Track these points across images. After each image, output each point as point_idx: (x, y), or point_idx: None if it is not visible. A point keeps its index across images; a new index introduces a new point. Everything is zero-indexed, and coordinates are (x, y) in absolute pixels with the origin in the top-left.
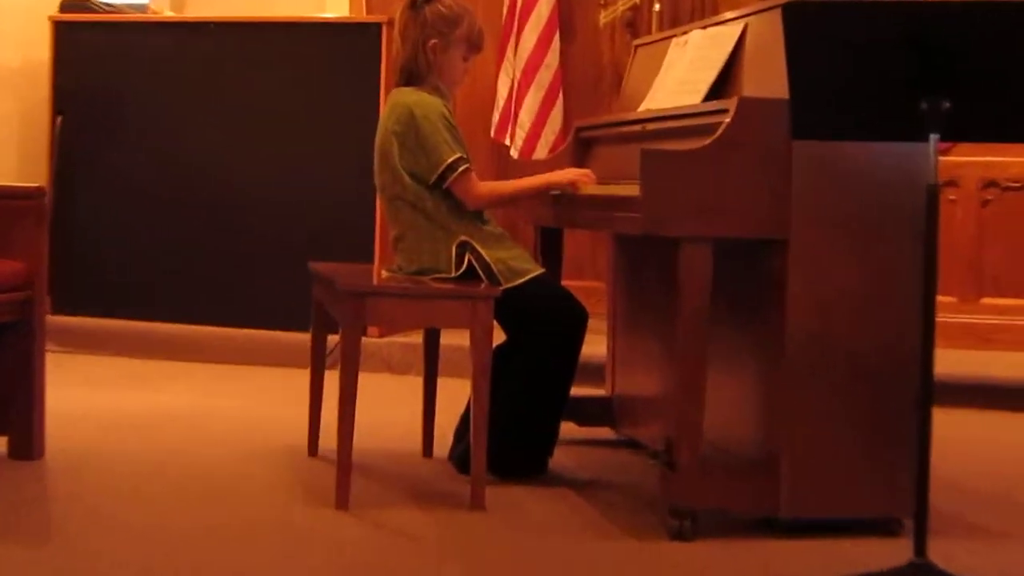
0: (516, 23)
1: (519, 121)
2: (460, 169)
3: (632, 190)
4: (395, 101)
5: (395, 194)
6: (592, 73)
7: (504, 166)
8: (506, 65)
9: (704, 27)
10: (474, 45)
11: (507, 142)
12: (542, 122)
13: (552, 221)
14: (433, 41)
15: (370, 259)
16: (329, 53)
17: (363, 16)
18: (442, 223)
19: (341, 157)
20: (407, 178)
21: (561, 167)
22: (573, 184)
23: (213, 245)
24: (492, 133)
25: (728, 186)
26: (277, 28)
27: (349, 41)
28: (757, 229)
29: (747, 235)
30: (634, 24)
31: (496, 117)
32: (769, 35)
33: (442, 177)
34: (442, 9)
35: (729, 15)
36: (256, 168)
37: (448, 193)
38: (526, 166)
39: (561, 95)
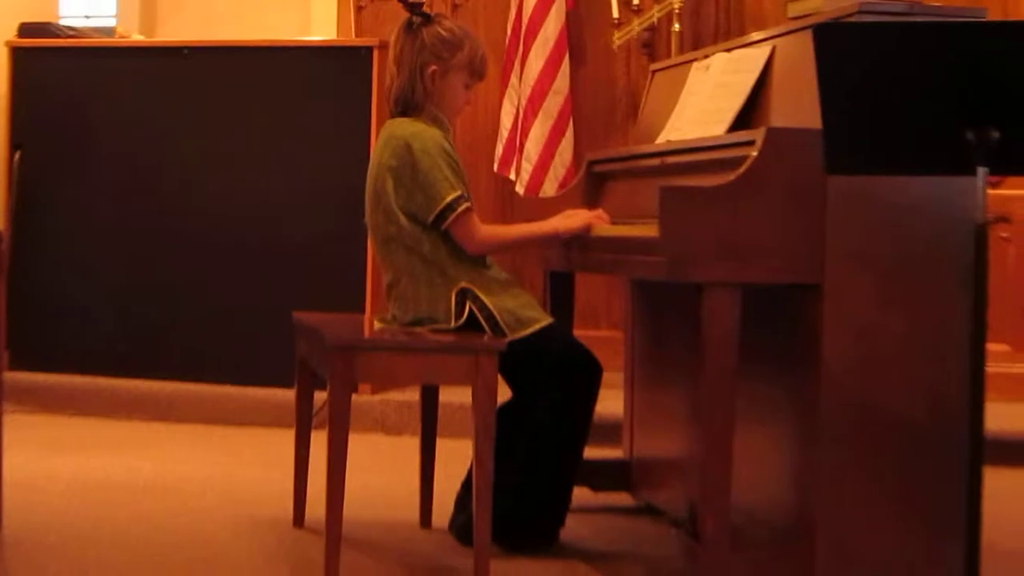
0: (521, 45)
1: (525, 153)
2: (460, 209)
3: (651, 230)
4: (390, 133)
5: (389, 235)
6: (605, 100)
7: (508, 203)
8: (510, 91)
9: (728, 50)
10: (476, 71)
11: (511, 176)
12: (550, 154)
13: (562, 264)
14: (432, 67)
15: (361, 308)
16: (315, 80)
17: (352, 39)
18: (441, 268)
19: (329, 194)
20: (403, 218)
21: (571, 205)
22: (586, 228)
23: (187, 292)
24: (495, 167)
25: (756, 226)
26: (258, 53)
27: (337, 67)
28: (788, 273)
29: (777, 280)
30: (651, 46)
31: (499, 149)
32: (800, 59)
33: (440, 217)
34: (442, 32)
35: (756, 36)
36: (235, 207)
37: (448, 235)
38: (532, 204)
39: (571, 124)
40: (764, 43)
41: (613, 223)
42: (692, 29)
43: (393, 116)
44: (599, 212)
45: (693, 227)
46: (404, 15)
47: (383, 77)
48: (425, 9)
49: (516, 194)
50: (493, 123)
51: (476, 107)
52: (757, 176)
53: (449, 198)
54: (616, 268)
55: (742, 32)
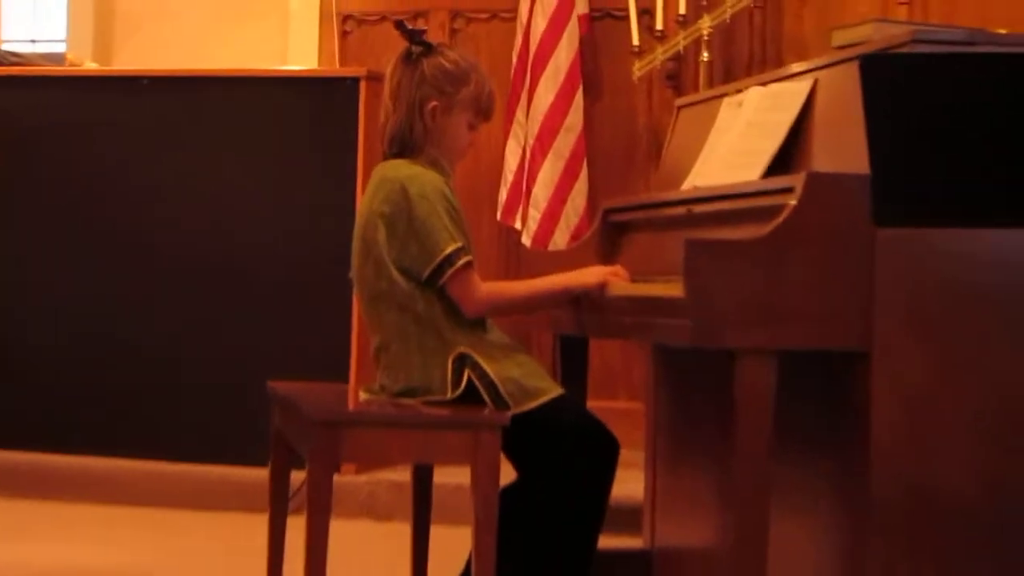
0: (528, 76)
1: (532, 199)
2: (459, 263)
3: (675, 289)
4: (383, 176)
5: (378, 292)
6: (624, 140)
7: (513, 257)
8: (515, 129)
9: (764, 83)
10: (483, 110)
11: (517, 226)
12: (561, 201)
13: (575, 327)
14: (433, 103)
15: (345, 376)
16: (293, 115)
17: (336, 69)
18: (436, 330)
19: (309, 245)
20: (395, 272)
21: (585, 259)
22: (602, 286)
23: (144, 354)
24: (498, 215)
25: (795, 284)
26: (227, 84)
27: (319, 100)
28: (832, 337)
29: (819, 345)
30: (677, 78)
31: (503, 194)
32: (846, 94)
33: (437, 271)
34: (445, 63)
35: (796, 68)
36: (201, 259)
37: (444, 293)
38: (541, 258)
39: (585, 167)
40: (805, 76)
41: (632, 280)
42: (723, 58)
43: (386, 157)
44: (616, 268)
45: (723, 285)
46: (397, 41)
47: (371, 112)
48: (426, 37)
49: (522, 246)
50: (496, 165)
51: (478, 146)
52: (796, 227)
53: (448, 250)
54: (636, 332)
55: (780, 63)
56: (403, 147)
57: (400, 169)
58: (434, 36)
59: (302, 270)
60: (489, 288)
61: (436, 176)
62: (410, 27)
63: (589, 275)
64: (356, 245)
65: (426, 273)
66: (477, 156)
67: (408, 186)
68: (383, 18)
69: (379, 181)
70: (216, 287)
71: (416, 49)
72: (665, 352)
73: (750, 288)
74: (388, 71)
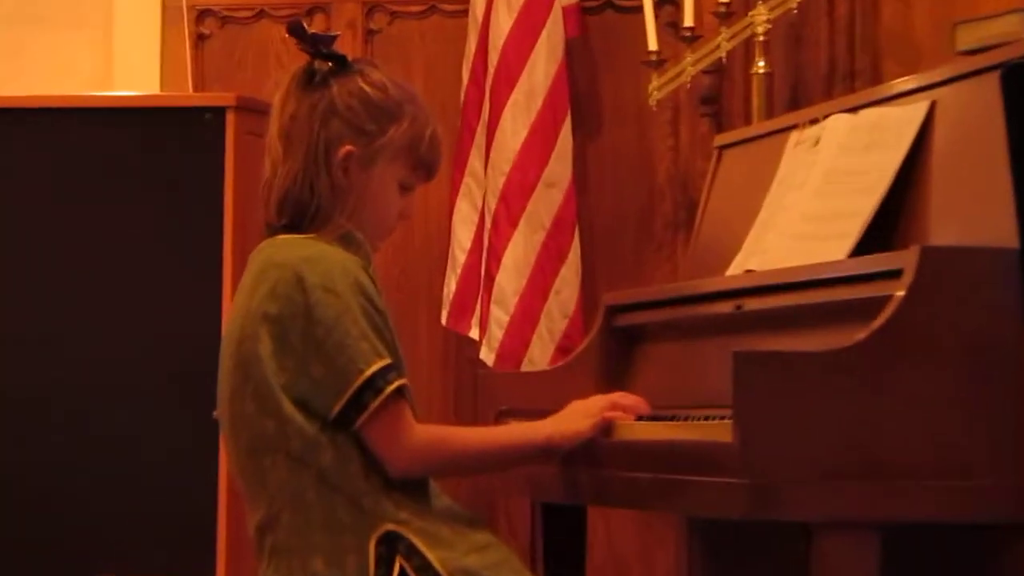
0: (488, 102)
1: (496, 292)
2: (386, 392)
3: (719, 431)
4: (268, 259)
5: (261, 438)
6: (635, 198)
7: (467, 382)
8: (468, 184)
9: (853, 108)
10: (423, 162)
11: (473, 335)
12: (540, 294)
13: (564, 492)
14: (347, 148)
15: (210, 568)
16: (118, 164)
17: (187, 95)
18: (352, 496)
19: (149, 367)
20: (287, 407)
21: (577, 387)
22: (600, 430)
23: None
24: (444, 318)
25: (908, 420)
26: (9, 118)
27: (160, 140)
28: (969, 506)
29: (946, 516)
30: (717, 101)
31: (451, 286)
32: (978, 121)
33: (354, 405)
34: (367, 89)
35: (902, 84)
36: None
37: (363, 439)
38: (510, 383)
39: (576, 242)
40: (916, 96)
41: (650, 418)
42: (787, 68)
43: (272, 232)
44: (625, 398)
45: (793, 424)
46: (287, 52)
47: (245, 159)
48: (337, 48)
49: (481, 365)
50: (440, 240)
51: (414, 214)
52: (908, 332)
53: (369, 371)
54: (657, 498)
55: (876, 76)
56: (299, 215)
57: (294, 249)
58: (343, 44)
59: (133, 406)
60: (430, 433)
61: (349, 259)
62: (311, 31)
63: (582, 416)
64: (225, 365)
65: (337, 408)
66: (411, 227)
67: (307, 275)
68: (260, 13)
69: (262, 267)
70: (17, 425)
71: (321, 67)
72: (704, 529)
73: (836, 427)
74: (276, 100)
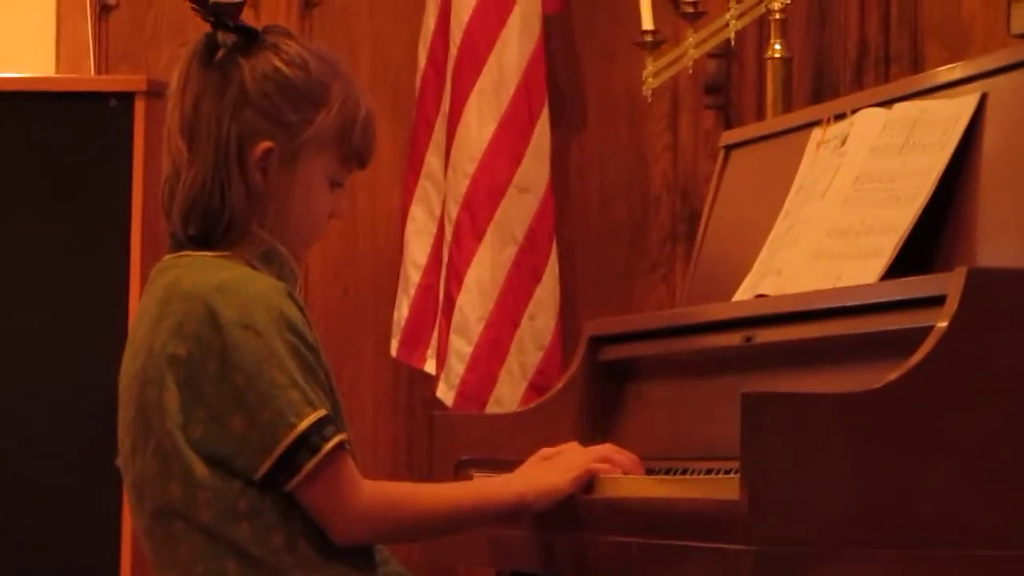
0: (449, 89)
1: (457, 319)
2: (325, 449)
3: (724, 488)
4: (174, 286)
5: (167, 502)
6: (626, 207)
7: (420, 427)
8: (424, 187)
9: (886, 102)
10: (356, 153)
11: (428, 369)
12: (510, 323)
13: (537, 560)
14: (264, 144)
15: None
16: (12, 154)
17: (90, 78)
18: (277, 568)
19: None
20: (198, 468)
21: (554, 433)
22: (580, 486)
23: None
24: (393, 349)
25: (950, 476)
26: None
27: (57, 132)
28: None
29: None
30: (723, 90)
31: (403, 311)
32: None
33: (285, 465)
34: (282, 68)
35: (947, 72)
36: None
37: (295, 501)
38: (471, 427)
39: (554, 258)
40: (963, 86)
41: (639, 472)
42: (808, 52)
43: (178, 245)
44: (610, 450)
45: (812, 480)
46: (194, 22)
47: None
48: (242, 17)
49: (437, 406)
50: (390, 254)
51: (350, 219)
52: (950, 370)
53: (302, 425)
54: (649, 569)
55: (916, 62)
56: (209, 226)
57: (205, 274)
58: (277, 19)
59: (22, 452)
60: (379, 493)
61: (272, 287)
62: None
63: (561, 469)
64: (125, 412)
65: (262, 470)
66: (355, 239)
67: (221, 310)
68: None
69: (166, 295)
70: None
71: (225, 39)
72: None
73: (864, 484)
74: (174, 81)
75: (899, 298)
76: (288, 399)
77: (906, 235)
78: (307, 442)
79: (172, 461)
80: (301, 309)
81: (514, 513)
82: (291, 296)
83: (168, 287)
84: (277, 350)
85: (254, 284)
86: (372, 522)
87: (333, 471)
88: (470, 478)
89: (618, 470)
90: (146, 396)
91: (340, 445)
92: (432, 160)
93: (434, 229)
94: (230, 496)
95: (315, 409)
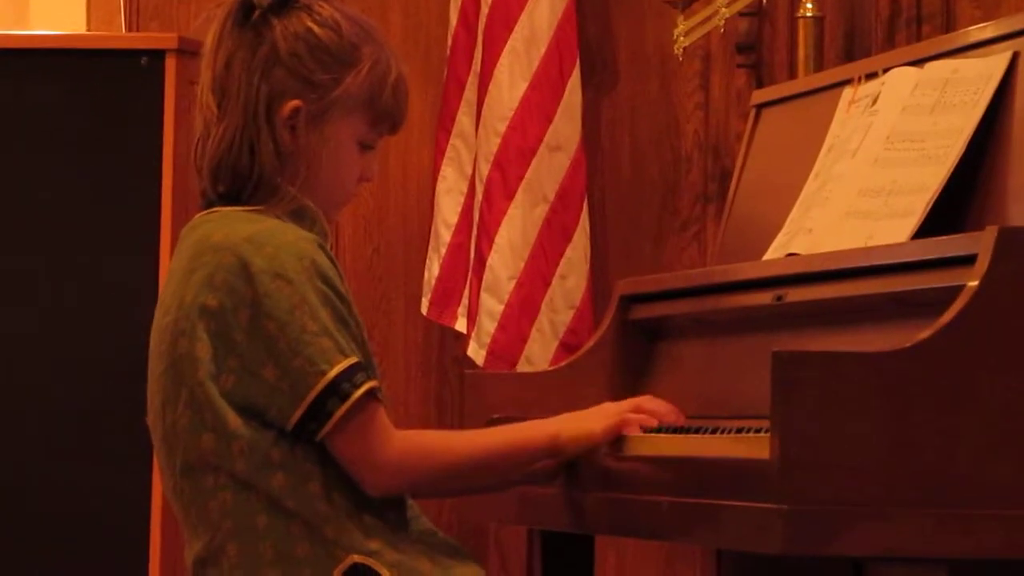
0: (480, 50)
1: (489, 279)
2: (355, 396)
3: (755, 446)
4: (203, 239)
5: (198, 455)
6: (656, 167)
7: (452, 384)
8: (456, 147)
9: (918, 61)
10: (386, 113)
11: (459, 327)
12: (541, 281)
13: (567, 518)
14: (294, 103)
15: None
16: (37, 118)
17: (121, 35)
18: (311, 522)
19: (72, 344)
20: (231, 417)
21: (584, 391)
22: (612, 436)
23: None
24: (424, 307)
25: (982, 435)
26: None
27: (86, 91)
28: None
29: None
30: (755, 49)
31: (433, 271)
32: None
33: (316, 413)
34: (315, 29)
35: (978, 32)
36: None
37: (327, 451)
38: (504, 386)
39: (585, 217)
40: (995, 45)
41: (672, 428)
42: (840, 10)
43: (208, 203)
44: (643, 403)
45: (844, 439)
46: None
47: (187, 113)
48: None
49: (469, 365)
50: (421, 213)
51: (381, 180)
52: (981, 329)
53: (332, 373)
54: (679, 528)
55: (947, 17)
56: (238, 184)
57: (236, 227)
58: None
59: (52, 412)
60: (411, 441)
61: (303, 237)
62: None
63: (593, 416)
64: (155, 366)
65: (294, 418)
66: (387, 199)
67: (252, 259)
68: None
69: (197, 249)
70: None
71: (261, 1)
72: (735, 564)
73: (895, 443)
74: (208, 41)
75: (930, 257)
76: (319, 347)
77: (937, 194)
78: (337, 389)
79: (205, 412)
80: (332, 261)
81: (548, 455)
82: (322, 247)
83: (198, 242)
84: (308, 298)
85: (285, 235)
86: (405, 471)
87: (363, 419)
88: None
89: (654, 420)
90: (178, 348)
91: (371, 393)
92: (463, 119)
93: (465, 188)
94: (264, 446)
95: (346, 357)
